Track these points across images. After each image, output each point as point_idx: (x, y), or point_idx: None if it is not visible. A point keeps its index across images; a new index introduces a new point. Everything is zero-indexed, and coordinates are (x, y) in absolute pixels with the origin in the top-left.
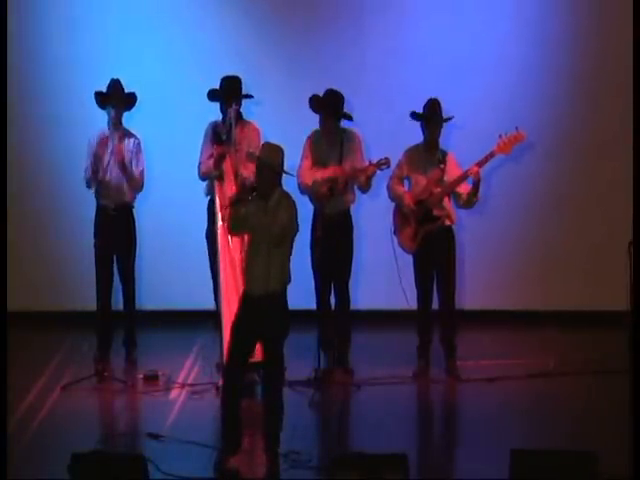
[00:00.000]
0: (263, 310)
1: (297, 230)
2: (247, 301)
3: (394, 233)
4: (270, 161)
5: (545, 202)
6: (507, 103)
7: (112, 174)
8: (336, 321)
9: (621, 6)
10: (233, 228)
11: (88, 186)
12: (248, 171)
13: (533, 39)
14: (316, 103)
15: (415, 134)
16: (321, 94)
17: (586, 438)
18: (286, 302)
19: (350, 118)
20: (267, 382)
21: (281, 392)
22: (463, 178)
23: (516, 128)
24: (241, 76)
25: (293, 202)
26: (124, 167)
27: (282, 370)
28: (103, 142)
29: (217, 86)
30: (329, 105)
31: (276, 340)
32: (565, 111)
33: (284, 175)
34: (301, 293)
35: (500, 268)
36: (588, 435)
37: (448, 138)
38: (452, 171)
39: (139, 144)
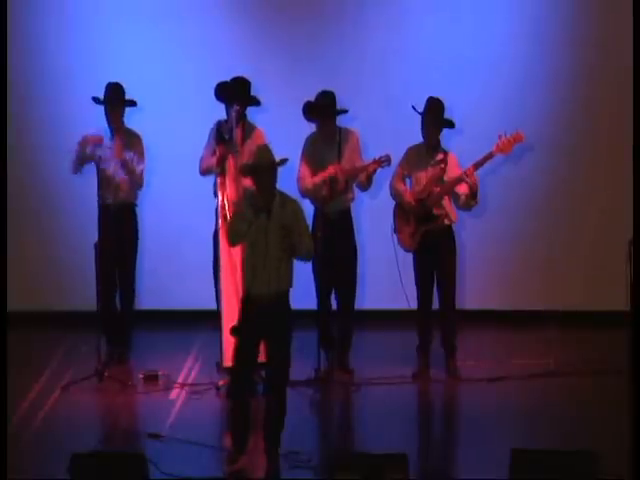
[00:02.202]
0: (272, 311)
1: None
2: (255, 303)
3: (394, 232)
4: (268, 159)
5: (545, 202)
6: (508, 102)
7: (114, 173)
8: (339, 321)
9: (621, 5)
10: (234, 240)
11: (73, 171)
12: (247, 181)
13: (534, 38)
14: (310, 110)
15: (416, 133)
16: (313, 99)
17: (586, 438)
18: (289, 301)
19: (345, 112)
20: (272, 382)
21: (285, 392)
22: (460, 180)
23: (516, 129)
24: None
25: (296, 202)
26: (125, 163)
27: (288, 370)
28: (101, 141)
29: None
30: (324, 108)
31: (285, 340)
32: (565, 112)
33: (283, 182)
34: (301, 293)
35: (500, 268)
36: (588, 435)
37: (449, 137)
38: (452, 171)
39: (141, 142)
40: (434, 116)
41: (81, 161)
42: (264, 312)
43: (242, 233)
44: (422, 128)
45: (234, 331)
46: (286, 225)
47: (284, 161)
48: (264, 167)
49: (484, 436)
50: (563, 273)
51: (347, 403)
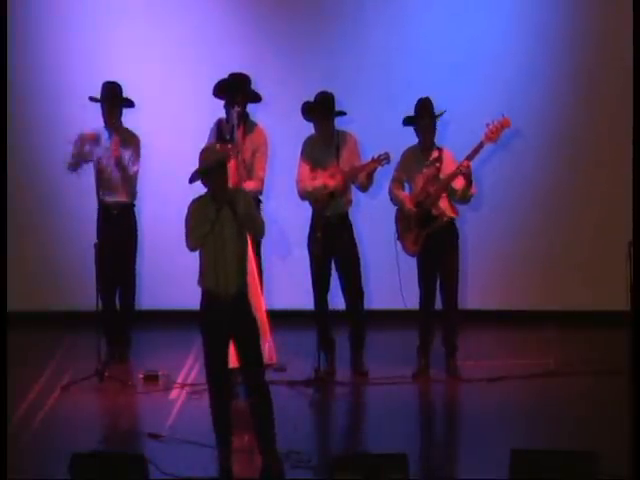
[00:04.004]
0: (236, 310)
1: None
2: (218, 302)
3: (398, 239)
4: (214, 158)
5: (545, 201)
6: (509, 100)
7: (112, 173)
8: (350, 323)
9: (622, 3)
10: (197, 243)
11: (70, 170)
12: (250, 184)
13: (535, 35)
14: (309, 110)
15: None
16: (312, 99)
17: (586, 438)
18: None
19: (344, 114)
20: (251, 383)
21: (267, 389)
22: (456, 174)
23: (502, 115)
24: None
25: (246, 191)
26: (120, 161)
27: (263, 367)
28: (99, 140)
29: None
30: (322, 109)
31: (253, 338)
32: (566, 109)
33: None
34: (301, 293)
35: (500, 268)
36: (588, 435)
37: (450, 136)
38: (448, 167)
39: (138, 142)
40: (428, 117)
41: (77, 160)
42: (226, 311)
43: (205, 234)
44: (417, 131)
45: (204, 332)
46: (240, 211)
47: (229, 155)
48: (213, 166)
49: (484, 436)
50: (563, 273)
51: (347, 403)
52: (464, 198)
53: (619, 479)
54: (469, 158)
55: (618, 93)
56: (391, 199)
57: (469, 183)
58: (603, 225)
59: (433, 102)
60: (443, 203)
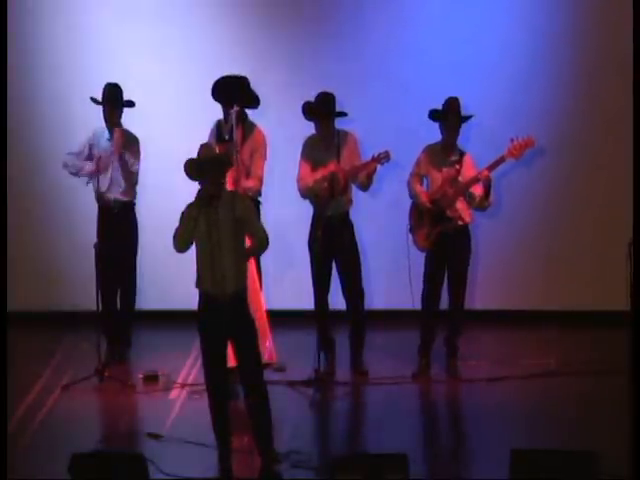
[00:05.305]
0: (232, 311)
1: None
2: (214, 303)
3: (410, 231)
4: (210, 154)
5: (546, 202)
6: (509, 101)
7: (113, 172)
8: (351, 322)
9: (622, 5)
10: (181, 241)
11: (65, 167)
12: (249, 182)
13: (534, 38)
14: (310, 110)
15: (417, 133)
16: (313, 99)
17: (586, 438)
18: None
19: (345, 115)
20: (249, 383)
21: (265, 390)
22: (475, 181)
23: (527, 134)
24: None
25: (249, 198)
26: (123, 158)
27: (261, 368)
28: (101, 143)
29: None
30: (323, 109)
31: (251, 339)
32: (565, 113)
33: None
34: (301, 293)
35: (500, 268)
36: (588, 435)
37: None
38: (468, 172)
39: (137, 143)
40: (456, 116)
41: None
42: (224, 312)
43: (189, 233)
44: (442, 128)
45: (202, 334)
46: (240, 218)
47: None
48: (207, 161)
49: (484, 436)
50: (563, 273)
51: (347, 403)
52: (481, 206)
53: (619, 479)
54: (489, 169)
55: (618, 96)
56: (409, 192)
57: (487, 194)
58: (603, 225)
59: (432, 103)
60: (461, 206)
